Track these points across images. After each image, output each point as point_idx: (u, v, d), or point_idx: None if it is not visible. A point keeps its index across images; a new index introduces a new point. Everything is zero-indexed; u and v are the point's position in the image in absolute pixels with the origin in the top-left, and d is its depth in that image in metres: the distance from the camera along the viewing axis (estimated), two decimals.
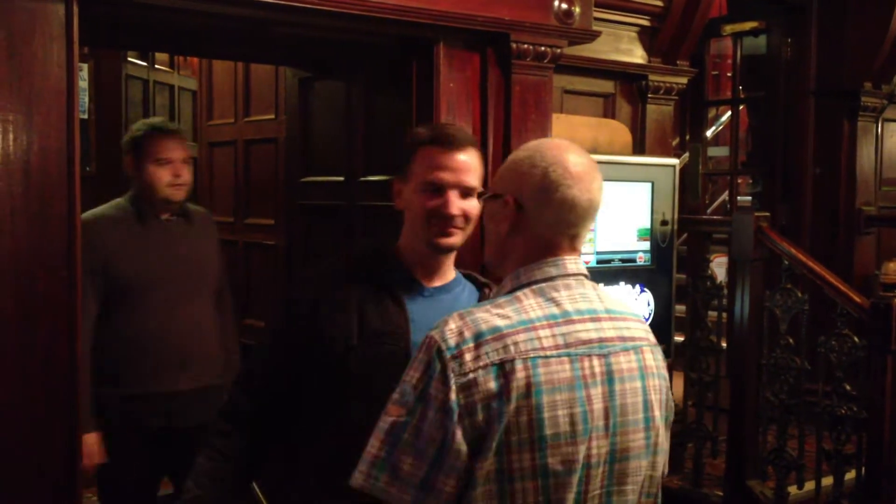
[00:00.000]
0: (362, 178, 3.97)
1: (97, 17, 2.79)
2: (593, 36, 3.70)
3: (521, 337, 1.51)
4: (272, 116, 4.97)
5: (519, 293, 1.60)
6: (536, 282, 1.62)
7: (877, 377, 3.38)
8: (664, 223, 4.06)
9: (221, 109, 5.48)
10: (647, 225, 4.02)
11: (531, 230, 1.65)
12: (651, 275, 4.04)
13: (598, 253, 3.84)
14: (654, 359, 1.68)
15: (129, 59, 6.19)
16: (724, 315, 4.24)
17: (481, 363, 1.47)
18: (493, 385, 1.46)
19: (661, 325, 4.05)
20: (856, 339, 3.54)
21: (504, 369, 1.47)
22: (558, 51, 3.55)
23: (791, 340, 3.79)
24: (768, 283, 3.93)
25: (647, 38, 4.29)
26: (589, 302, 1.62)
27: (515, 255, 1.67)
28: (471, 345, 1.49)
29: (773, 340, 3.87)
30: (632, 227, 3.98)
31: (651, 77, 4.26)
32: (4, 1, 2.49)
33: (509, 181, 1.68)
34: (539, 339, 1.52)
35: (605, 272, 3.84)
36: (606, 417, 1.55)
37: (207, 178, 5.60)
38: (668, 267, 4.12)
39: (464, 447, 1.45)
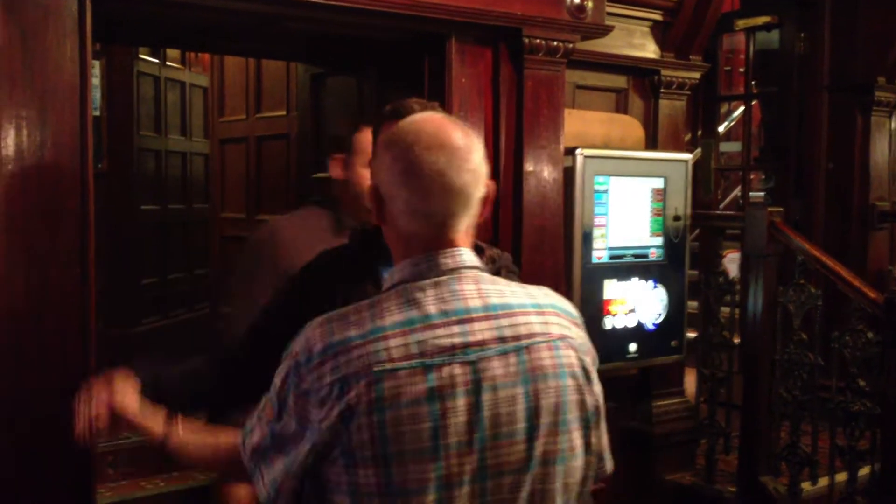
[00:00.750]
0: None
1: (109, 13, 2.79)
2: (606, 31, 3.68)
3: (369, 348, 1.38)
4: (283, 113, 4.98)
5: (383, 295, 1.46)
6: (405, 281, 1.46)
7: (891, 372, 3.36)
8: (677, 218, 4.05)
9: (233, 106, 5.50)
10: (660, 220, 4.01)
11: (394, 222, 1.49)
12: (664, 270, 4.03)
13: (610, 248, 3.83)
14: (556, 356, 1.47)
15: (141, 55, 6.21)
16: (737, 311, 4.22)
17: (326, 381, 1.37)
18: (337, 402, 1.36)
19: (673, 321, 4.05)
20: (870, 334, 3.53)
21: (348, 385, 1.36)
22: (571, 46, 3.54)
23: (804, 336, 3.78)
24: (781, 279, 3.91)
25: (659, 32, 4.27)
26: (462, 301, 1.44)
27: (395, 252, 1.52)
28: (320, 359, 1.39)
29: (787, 336, 3.85)
30: (644, 223, 3.97)
31: (663, 72, 4.25)
32: None
33: (374, 173, 1.55)
34: (388, 349, 1.38)
35: (618, 267, 3.84)
36: (470, 432, 1.38)
37: (219, 174, 5.61)
38: (680, 262, 4.11)
39: (308, 459, 1.40)
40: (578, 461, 1.49)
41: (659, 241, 4.02)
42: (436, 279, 1.45)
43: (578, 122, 3.82)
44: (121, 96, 5.93)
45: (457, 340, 1.40)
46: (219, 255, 5.54)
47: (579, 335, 1.54)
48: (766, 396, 3.90)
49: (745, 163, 6.10)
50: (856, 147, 5.25)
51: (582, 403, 1.49)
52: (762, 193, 6.21)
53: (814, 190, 5.34)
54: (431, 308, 1.42)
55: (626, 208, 3.86)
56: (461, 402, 1.38)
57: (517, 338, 1.44)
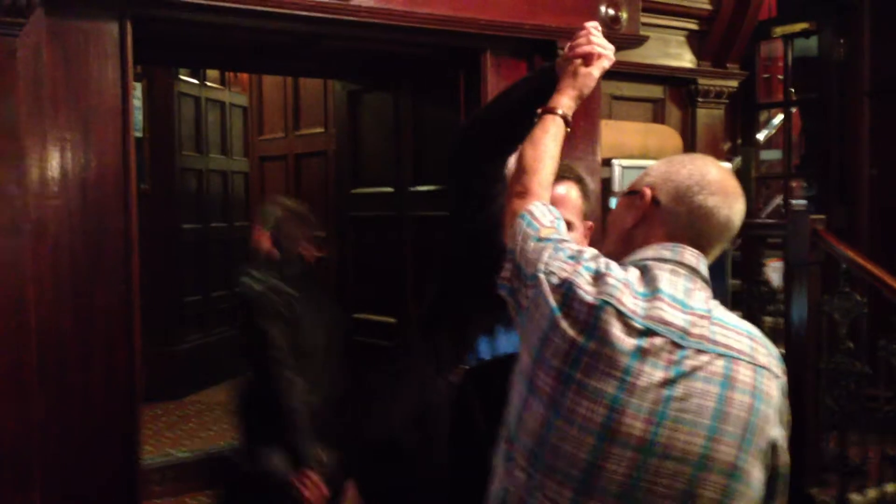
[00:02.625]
0: (412, 189, 3.99)
1: (150, 36, 2.84)
2: (641, 41, 3.68)
3: (610, 280, 1.44)
4: (321, 129, 5.02)
5: (616, 264, 1.52)
6: (645, 259, 1.52)
7: None
8: None
9: (272, 124, 5.55)
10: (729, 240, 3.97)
11: (659, 226, 1.56)
12: None
13: None
14: (756, 379, 1.45)
15: (181, 77, 6.30)
16: (781, 320, 4.17)
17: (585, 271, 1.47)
18: (585, 293, 1.44)
19: None
20: None
21: (570, 291, 1.45)
22: None
23: (851, 345, 3.72)
24: (825, 287, 3.86)
25: (695, 41, 4.25)
26: (688, 297, 1.47)
27: (634, 246, 1.58)
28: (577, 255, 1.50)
29: (832, 345, 3.79)
30: None
31: (700, 81, 4.23)
32: (60, 22, 2.56)
33: (652, 176, 1.61)
34: (623, 292, 1.44)
35: None
36: (655, 402, 1.39)
37: (258, 192, 5.66)
38: (722, 272, 4.07)
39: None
40: (750, 493, 1.45)
41: None
42: (672, 267, 1.50)
43: (615, 133, 3.82)
44: (162, 117, 6.02)
45: (677, 321, 1.44)
46: None
47: (783, 384, 1.55)
48: (812, 406, 3.84)
49: (785, 171, 6.03)
50: None
51: (767, 439, 1.47)
52: (804, 201, 6.13)
53: (857, 197, 5.27)
54: (663, 286, 1.47)
55: None
56: (658, 373, 1.41)
57: (727, 346, 1.46)
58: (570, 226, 1.92)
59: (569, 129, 1.81)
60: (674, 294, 1.46)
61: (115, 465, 2.65)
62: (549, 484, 1.43)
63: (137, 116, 5.55)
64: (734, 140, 5.88)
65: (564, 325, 1.43)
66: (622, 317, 1.42)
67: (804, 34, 5.59)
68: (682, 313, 1.44)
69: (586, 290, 1.44)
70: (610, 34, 3.49)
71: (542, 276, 1.49)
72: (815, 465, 3.84)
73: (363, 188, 4.40)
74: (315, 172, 5.12)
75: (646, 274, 1.49)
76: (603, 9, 3.47)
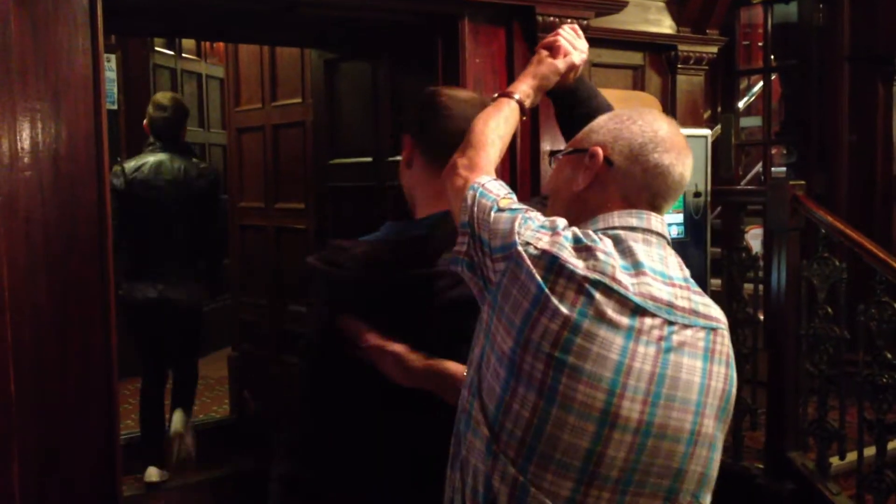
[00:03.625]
0: (390, 159, 3.96)
1: (122, 5, 2.79)
2: (620, 6, 3.65)
3: (599, 255, 1.38)
4: (299, 100, 4.96)
5: (592, 232, 1.45)
6: (613, 228, 1.47)
7: None
8: (697, 195, 4.01)
9: (249, 95, 5.49)
10: (680, 197, 3.97)
11: (613, 187, 1.51)
12: (685, 248, 3.99)
13: None
14: (727, 346, 1.48)
15: (157, 48, 6.22)
16: (761, 287, 4.18)
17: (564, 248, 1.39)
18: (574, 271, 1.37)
19: None
20: None
21: (554, 266, 1.37)
22: (585, 22, 3.51)
23: (830, 310, 3.73)
24: (805, 253, 3.87)
25: (675, 7, 4.22)
26: (665, 266, 1.45)
27: (588, 211, 1.52)
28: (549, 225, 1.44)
29: (812, 311, 3.81)
30: None
31: (680, 47, 4.20)
32: None
33: (600, 134, 1.55)
34: (613, 266, 1.38)
35: None
36: (650, 382, 1.37)
37: (237, 164, 5.61)
38: (702, 239, 4.07)
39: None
40: (714, 453, 1.46)
41: (679, 217, 3.98)
42: (644, 236, 1.47)
43: None
44: (138, 90, 5.95)
45: (664, 297, 1.41)
46: (238, 244, 5.54)
47: None
48: (792, 372, 3.86)
49: (765, 138, 6.04)
50: (878, 118, 5.18)
51: (730, 401, 1.48)
52: (784, 168, 6.14)
53: (836, 163, 5.28)
54: (643, 259, 1.43)
55: None
56: (651, 350, 1.38)
57: (707, 317, 1.46)
58: None
59: (524, 118, 1.79)
60: (653, 266, 1.43)
61: (95, 440, 2.63)
62: (546, 476, 1.36)
63: (111, 88, 5.48)
64: (714, 107, 5.87)
65: (554, 302, 1.35)
66: (616, 294, 1.37)
67: (784, 0, 5.57)
68: (666, 286, 1.42)
69: (574, 265, 1.37)
70: None
71: (519, 248, 1.40)
72: (795, 429, 3.87)
73: (341, 158, 4.36)
74: (293, 143, 5.07)
75: (619, 244, 1.43)
76: None
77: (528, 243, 1.40)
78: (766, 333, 4.07)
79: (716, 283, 4.40)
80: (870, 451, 3.64)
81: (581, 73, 1.95)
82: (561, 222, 1.44)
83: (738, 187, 5.79)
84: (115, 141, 4.89)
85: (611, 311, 1.36)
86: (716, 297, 4.32)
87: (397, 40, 3.82)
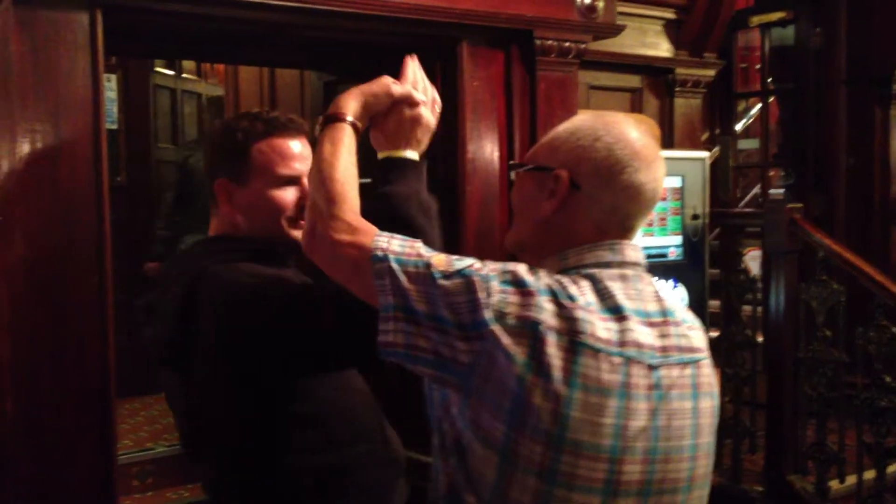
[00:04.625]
0: None
1: (122, 26, 2.80)
2: (617, 30, 3.67)
3: (579, 314, 1.27)
4: None
5: (565, 277, 1.34)
6: (586, 266, 1.37)
7: None
8: (695, 217, 4.02)
9: None
10: (678, 219, 3.98)
11: (582, 213, 1.39)
12: (683, 269, 4.00)
13: None
14: (710, 375, 1.41)
15: (157, 68, 6.24)
16: (759, 309, 4.18)
17: (524, 312, 1.26)
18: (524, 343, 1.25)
19: None
20: (894, 329, 3.48)
21: (538, 334, 1.25)
22: (583, 46, 3.53)
23: (828, 333, 3.73)
24: (803, 276, 3.87)
25: (673, 31, 4.25)
26: (643, 302, 1.36)
27: (559, 239, 1.40)
28: (512, 287, 1.28)
29: (810, 333, 3.80)
30: (662, 222, 3.94)
31: (678, 70, 4.23)
32: (28, 11, 2.52)
33: (563, 153, 1.41)
34: (593, 323, 1.27)
35: None
36: (647, 440, 1.30)
37: None
38: (700, 261, 4.08)
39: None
40: (707, 490, 1.42)
41: (678, 240, 3.99)
42: (620, 271, 1.37)
43: None
44: (138, 109, 5.96)
45: (648, 341, 1.33)
46: None
47: None
48: (790, 395, 3.85)
49: (763, 160, 6.05)
50: (875, 141, 5.20)
51: (715, 429, 1.43)
52: (782, 190, 6.15)
53: (834, 186, 5.29)
54: (622, 301, 1.33)
55: None
56: (643, 405, 1.30)
57: (691, 350, 1.39)
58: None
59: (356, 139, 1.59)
60: (632, 306, 1.34)
61: (91, 460, 2.62)
62: None
63: (112, 108, 5.49)
64: (712, 129, 5.89)
65: (543, 382, 1.24)
66: (601, 354, 1.27)
67: (781, 23, 5.60)
68: (648, 327, 1.34)
69: (557, 329, 1.26)
70: (586, 23, 3.50)
71: (492, 326, 1.25)
72: (794, 452, 3.86)
73: None
74: None
75: (595, 285, 1.34)
76: None
77: (501, 314, 1.26)
78: (765, 356, 4.06)
79: (714, 304, 4.40)
80: (869, 475, 3.63)
81: (422, 161, 1.73)
82: (522, 271, 1.31)
83: (737, 210, 5.80)
84: (114, 160, 4.90)
85: (599, 373, 1.27)
86: (714, 318, 4.34)
87: (396, 62, 3.82)
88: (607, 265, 1.38)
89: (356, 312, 1.45)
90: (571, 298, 1.29)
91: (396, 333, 1.29)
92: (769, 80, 5.90)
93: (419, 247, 1.36)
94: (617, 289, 1.35)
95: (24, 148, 2.51)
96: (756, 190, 7.14)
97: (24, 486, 2.48)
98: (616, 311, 1.32)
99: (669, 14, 4.22)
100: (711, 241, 4.37)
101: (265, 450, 1.76)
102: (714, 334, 4.34)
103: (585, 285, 1.33)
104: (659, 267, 3.90)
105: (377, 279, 1.31)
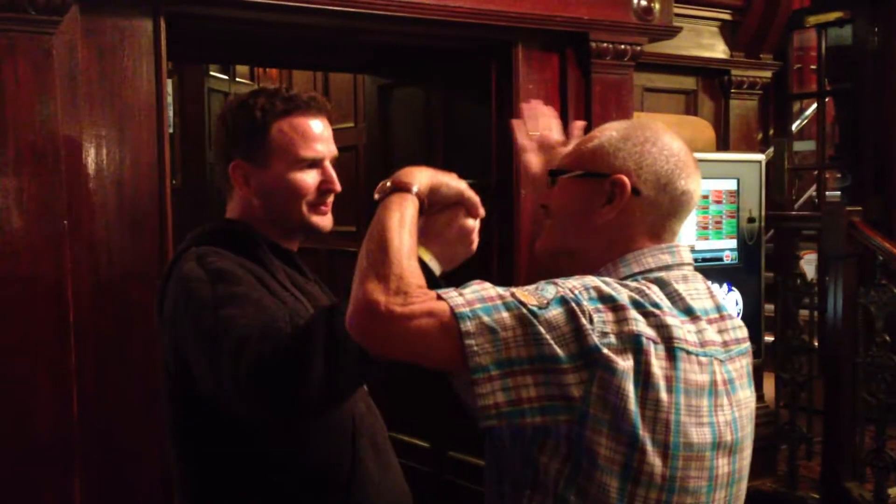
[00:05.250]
0: None
1: (181, 32, 2.85)
2: (674, 32, 3.65)
3: (668, 320, 1.29)
4: (351, 124, 5.02)
5: (634, 283, 1.35)
6: (651, 271, 1.39)
7: None
8: (751, 220, 3.98)
9: None
10: (734, 222, 3.94)
11: (639, 219, 1.42)
12: (739, 273, 3.96)
13: None
14: (751, 364, 1.47)
15: (211, 73, 6.32)
16: (815, 313, 4.13)
17: (622, 329, 1.26)
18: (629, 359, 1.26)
19: (750, 325, 3.90)
20: None
21: (640, 347, 1.25)
22: (638, 48, 3.51)
23: (887, 338, 3.68)
24: (861, 280, 3.82)
25: (728, 32, 4.21)
26: (702, 300, 1.40)
27: (615, 245, 1.42)
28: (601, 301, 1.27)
29: (869, 338, 3.75)
30: (717, 225, 3.91)
31: (734, 72, 4.18)
32: (94, 20, 2.57)
33: (622, 158, 1.42)
34: (681, 328, 1.30)
35: None
36: (732, 432, 1.35)
37: None
38: (756, 265, 4.03)
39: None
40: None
41: (733, 243, 3.95)
42: (681, 272, 1.41)
43: None
44: (192, 113, 6.04)
45: (716, 339, 1.37)
46: None
47: None
48: (849, 400, 3.80)
49: (819, 161, 5.96)
50: None
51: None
52: (838, 193, 6.06)
53: (892, 188, 5.19)
54: (690, 302, 1.37)
55: (699, 211, 3.81)
56: (725, 399, 1.36)
57: (739, 341, 1.44)
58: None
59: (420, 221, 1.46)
60: (699, 306, 1.38)
61: (156, 462, 2.66)
62: None
63: (168, 113, 5.57)
64: (766, 131, 5.82)
65: (654, 393, 1.26)
66: (692, 356, 1.30)
67: (838, 23, 5.51)
68: (713, 324, 1.39)
69: (654, 338, 1.27)
70: (643, 25, 3.48)
71: (604, 350, 1.23)
72: (852, 459, 3.81)
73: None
74: (345, 167, 5.11)
75: (664, 289, 1.36)
76: (636, 0, 3.44)
77: (603, 333, 1.24)
78: (822, 361, 4.02)
79: (769, 308, 4.35)
80: None
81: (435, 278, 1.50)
82: (602, 285, 1.30)
83: (793, 213, 5.73)
84: (170, 163, 4.97)
85: (696, 376, 1.30)
86: (769, 322, 4.29)
87: (450, 65, 3.85)
88: (669, 268, 1.41)
89: (283, 368, 1.39)
90: (657, 306, 1.30)
91: (496, 393, 1.21)
92: (825, 80, 5.81)
93: (489, 287, 1.28)
94: (683, 290, 1.38)
95: (90, 153, 2.57)
96: (810, 192, 7.04)
97: (91, 488, 2.54)
98: (689, 313, 1.35)
99: (725, 15, 4.17)
100: (766, 243, 4.32)
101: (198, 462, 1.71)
102: (769, 339, 4.29)
103: (657, 290, 1.34)
104: (714, 271, 3.86)
105: (467, 339, 1.20)
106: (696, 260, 4.00)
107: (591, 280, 1.31)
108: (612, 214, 1.41)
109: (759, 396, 4.29)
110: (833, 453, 3.85)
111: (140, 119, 2.65)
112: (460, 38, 3.36)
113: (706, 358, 1.33)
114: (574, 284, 1.29)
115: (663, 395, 1.26)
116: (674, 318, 1.31)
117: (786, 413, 4.17)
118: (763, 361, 4.15)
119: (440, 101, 4.01)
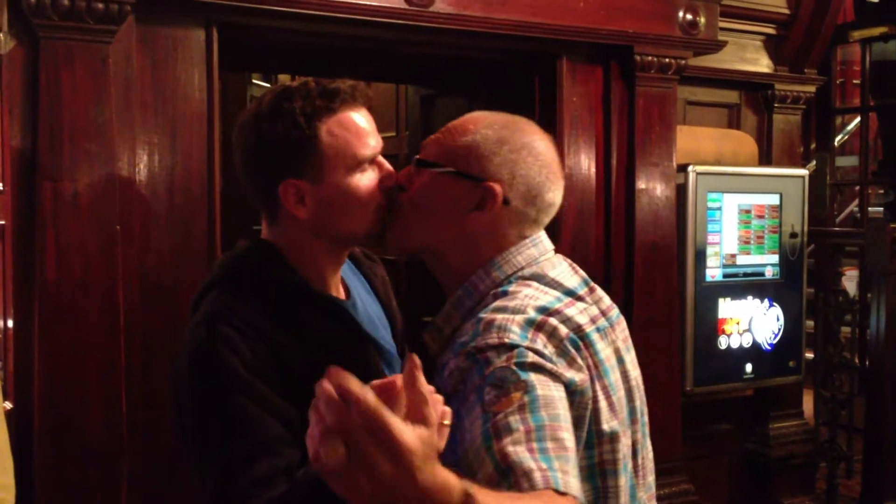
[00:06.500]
0: None
1: (227, 41, 2.89)
2: (719, 46, 3.64)
3: (570, 311, 1.37)
4: (393, 133, 5.05)
5: (514, 286, 1.40)
6: (523, 268, 1.44)
7: None
8: (794, 235, 3.95)
9: None
10: (776, 237, 3.92)
11: (506, 224, 1.46)
12: (780, 289, 3.93)
13: (724, 267, 3.76)
14: (627, 328, 1.55)
15: (254, 80, 6.39)
16: (857, 330, 4.09)
17: (556, 339, 1.33)
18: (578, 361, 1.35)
19: (791, 341, 3.93)
20: None
21: (581, 343, 1.36)
22: (683, 62, 3.51)
23: None
24: None
25: (772, 46, 4.19)
26: (572, 278, 1.48)
27: (480, 249, 1.45)
28: (533, 330, 1.31)
29: None
30: (759, 240, 3.89)
31: (777, 86, 4.16)
32: (149, 29, 2.62)
33: (495, 165, 1.44)
34: (578, 312, 1.40)
35: (732, 286, 3.76)
36: (631, 399, 1.45)
37: None
38: (797, 281, 4.00)
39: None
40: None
41: (775, 258, 3.93)
42: (548, 260, 1.48)
43: (689, 139, 3.78)
44: (236, 119, 6.10)
45: (595, 312, 1.45)
46: None
47: None
48: (891, 419, 3.77)
49: (862, 177, 5.91)
50: None
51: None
52: (880, 208, 6.00)
53: None
54: (566, 283, 1.45)
55: (741, 225, 3.80)
56: (619, 370, 1.43)
57: (610, 307, 1.50)
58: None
59: None
60: (572, 285, 1.45)
61: None
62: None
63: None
64: (808, 145, 5.78)
65: (600, 383, 1.39)
66: (597, 335, 1.40)
67: (882, 38, 5.48)
68: (588, 297, 1.46)
69: (569, 335, 1.35)
70: (688, 39, 3.48)
71: (555, 364, 1.32)
72: (893, 479, 3.77)
73: None
74: None
75: (540, 281, 1.42)
76: (681, 14, 3.44)
77: (542, 356, 1.31)
78: (864, 379, 3.98)
79: (809, 324, 4.32)
80: None
81: None
82: (532, 303, 1.35)
83: (836, 229, 5.69)
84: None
85: (608, 352, 1.41)
86: (810, 339, 4.25)
87: (494, 76, 3.86)
88: (537, 261, 1.47)
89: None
90: (545, 301, 1.37)
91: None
92: (869, 95, 5.76)
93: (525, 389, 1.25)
94: (557, 275, 1.45)
95: (143, 159, 2.62)
96: (853, 207, 6.97)
97: (135, 486, 2.57)
98: (571, 294, 1.42)
99: (770, 29, 4.16)
100: (807, 258, 4.29)
101: None
102: (809, 355, 4.26)
103: (538, 286, 1.40)
104: (755, 286, 3.84)
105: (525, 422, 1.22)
106: (737, 275, 3.94)
107: (530, 302, 1.36)
108: (480, 224, 1.44)
109: (799, 413, 4.26)
110: (874, 473, 3.81)
111: (191, 127, 2.69)
112: (505, 50, 3.38)
113: (600, 333, 1.41)
114: (523, 315, 1.33)
115: (604, 381, 1.37)
116: (572, 310, 1.38)
117: (825, 431, 4.14)
118: (803, 378, 4.12)
119: (482, 110, 4.02)
